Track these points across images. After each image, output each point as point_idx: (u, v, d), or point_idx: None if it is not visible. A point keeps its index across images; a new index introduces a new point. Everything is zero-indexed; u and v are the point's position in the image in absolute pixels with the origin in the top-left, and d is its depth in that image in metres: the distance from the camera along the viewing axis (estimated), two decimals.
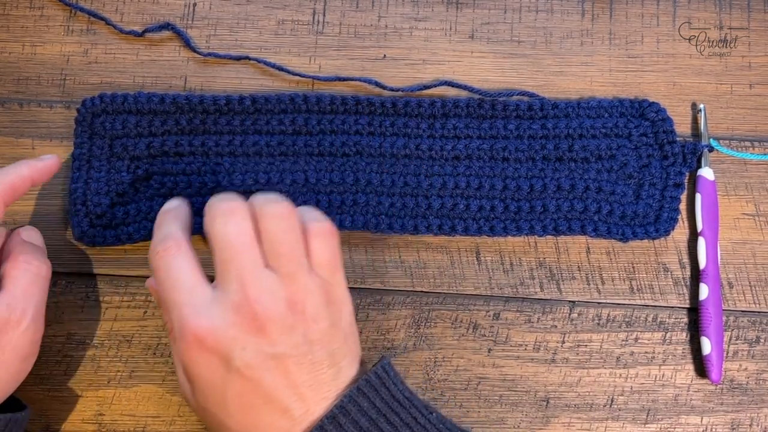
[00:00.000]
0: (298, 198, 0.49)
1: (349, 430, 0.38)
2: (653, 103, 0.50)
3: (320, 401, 0.40)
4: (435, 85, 0.51)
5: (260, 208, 0.41)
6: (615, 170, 0.49)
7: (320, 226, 0.42)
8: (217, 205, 0.41)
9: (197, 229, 0.46)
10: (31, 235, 0.47)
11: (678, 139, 0.50)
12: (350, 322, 0.43)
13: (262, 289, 0.39)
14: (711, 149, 0.50)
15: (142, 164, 0.49)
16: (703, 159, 0.50)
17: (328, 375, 0.40)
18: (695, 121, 0.51)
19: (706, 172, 0.50)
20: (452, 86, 0.51)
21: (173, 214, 0.43)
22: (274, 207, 0.41)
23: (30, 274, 0.44)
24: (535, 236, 0.50)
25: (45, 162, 0.46)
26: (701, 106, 0.51)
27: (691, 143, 0.49)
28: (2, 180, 0.43)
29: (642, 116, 0.50)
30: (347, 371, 0.41)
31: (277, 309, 0.39)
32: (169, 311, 0.41)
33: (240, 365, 0.39)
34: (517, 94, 0.51)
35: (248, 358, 0.39)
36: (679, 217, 0.50)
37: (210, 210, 0.41)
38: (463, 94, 0.51)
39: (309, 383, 0.40)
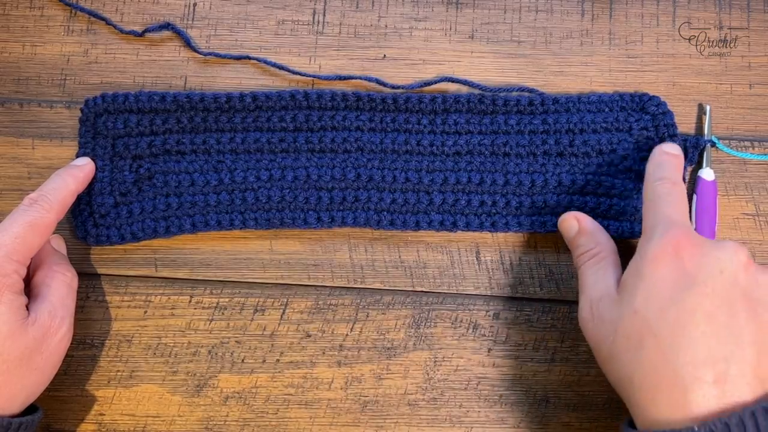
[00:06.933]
0: (299, 195, 0.49)
1: None
2: (653, 96, 0.50)
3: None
4: (436, 81, 0.51)
5: None
6: (616, 164, 0.49)
7: None
8: None
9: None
10: (59, 243, 0.48)
11: (678, 133, 0.50)
12: None
13: None
14: (713, 144, 0.50)
15: (145, 163, 0.49)
16: (705, 158, 0.50)
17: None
18: (700, 120, 0.51)
19: (706, 173, 0.50)
20: (453, 81, 0.51)
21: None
22: None
23: (65, 283, 0.45)
24: (536, 233, 0.50)
25: (85, 172, 0.47)
26: (707, 107, 0.51)
27: (694, 137, 0.49)
28: (56, 198, 0.44)
29: (642, 110, 0.50)
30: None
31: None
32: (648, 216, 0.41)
33: (702, 286, 0.35)
34: (518, 90, 0.51)
35: (717, 285, 0.35)
36: None
37: None
38: (464, 89, 0.51)
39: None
